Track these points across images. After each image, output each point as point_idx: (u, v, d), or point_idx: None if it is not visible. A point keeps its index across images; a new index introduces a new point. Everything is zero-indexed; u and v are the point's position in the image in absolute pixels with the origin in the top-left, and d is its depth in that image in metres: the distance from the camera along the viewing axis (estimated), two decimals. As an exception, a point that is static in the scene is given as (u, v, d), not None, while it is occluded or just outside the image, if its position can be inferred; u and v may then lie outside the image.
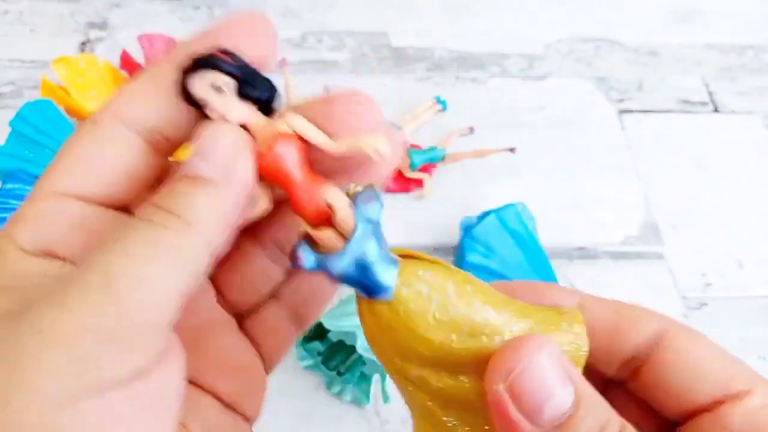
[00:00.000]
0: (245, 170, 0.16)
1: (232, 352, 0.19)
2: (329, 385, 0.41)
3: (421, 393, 0.18)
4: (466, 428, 0.18)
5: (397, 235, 0.47)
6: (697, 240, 0.50)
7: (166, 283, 0.14)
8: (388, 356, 0.18)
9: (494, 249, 0.44)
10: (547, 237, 0.47)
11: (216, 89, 0.16)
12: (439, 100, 0.56)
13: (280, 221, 0.19)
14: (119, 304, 0.13)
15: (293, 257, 0.17)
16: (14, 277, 0.15)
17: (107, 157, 0.16)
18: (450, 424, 0.18)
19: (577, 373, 0.16)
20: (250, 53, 0.17)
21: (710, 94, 0.60)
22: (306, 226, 0.17)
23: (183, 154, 0.17)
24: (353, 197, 0.17)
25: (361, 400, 0.40)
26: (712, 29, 0.65)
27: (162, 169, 0.18)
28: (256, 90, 0.16)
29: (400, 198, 0.49)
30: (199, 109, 0.17)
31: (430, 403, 0.18)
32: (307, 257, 0.16)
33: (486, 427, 0.18)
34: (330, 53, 0.59)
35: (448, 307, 0.17)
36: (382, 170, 0.18)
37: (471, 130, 0.54)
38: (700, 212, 0.51)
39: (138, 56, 0.53)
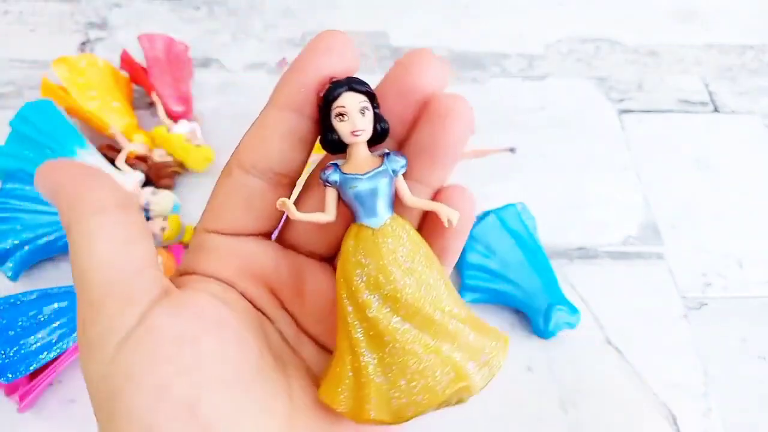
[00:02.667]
0: None
1: (324, 296, 0.22)
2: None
3: (357, 320, 0.20)
4: (378, 369, 0.20)
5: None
6: (697, 240, 0.50)
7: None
8: (348, 278, 0.20)
9: (494, 249, 0.44)
10: (547, 237, 0.47)
11: (361, 111, 0.20)
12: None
13: None
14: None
15: (324, 170, 0.21)
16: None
17: (235, 200, 0.22)
18: (364, 360, 0.20)
19: None
20: (340, 69, 0.20)
21: (710, 94, 0.60)
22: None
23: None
24: (386, 152, 0.21)
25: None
26: (712, 29, 0.65)
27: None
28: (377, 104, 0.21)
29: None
30: (339, 151, 0.21)
31: (359, 335, 0.20)
32: (334, 173, 0.20)
33: (401, 382, 0.19)
34: (330, 53, 0.59)
35: (414, 258, 0.20)
36: (453, 236, 0.22)
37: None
38: (700, 212, 0.51)
39: (138, 56, 0.53)
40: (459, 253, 0.23)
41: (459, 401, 0.20)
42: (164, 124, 0.50)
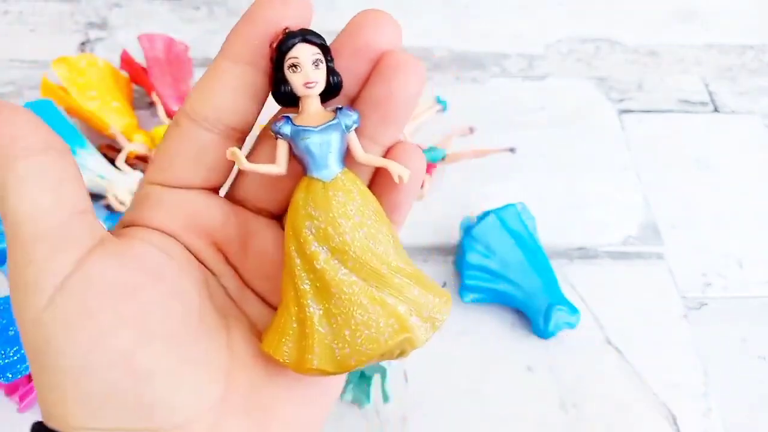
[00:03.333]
0: None
1: (271, 254, 0.22)
2: (342, 394, 0.41)
3: (304, 271, 0.20)
4: (323, 320, 0.20)
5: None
6: (697, 240, 0.50)
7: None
8: (296, 230, 0.20)
9: (494, 249, 0.44)
10: (547, 237, 0.47)
11: (315, 63, 0.20)
12: (439, 101, 0.56)
13: None
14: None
15: (275, 122, 0.20)
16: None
17: (184, 152, 0.21)
18: (310, 310, 0.20)
19: None
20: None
21: (710, 94, 0.60)
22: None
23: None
24: (341, 107, 0.21)
25: (361, 400, 0.40)
26: (712, 29, 0.65)
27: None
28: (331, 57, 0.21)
29: (400, 198, 0.49)
30: (292, 105, 0.20)
31: (305, 286, 0.20)
32: (285, 125, 0.20)
33: (345, 332, 0.20)
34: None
35: (364, 212, 0.20)
36: (403, 192, 0.22)
37: (471, 130, 0.54)
38: (700, 212, 0.51)
39: (138, 56, 0.53)
40: (408, 210, 0.23)
41: (401, 353, 0.20)
42: (164, 124, 0.50)
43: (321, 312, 0.20)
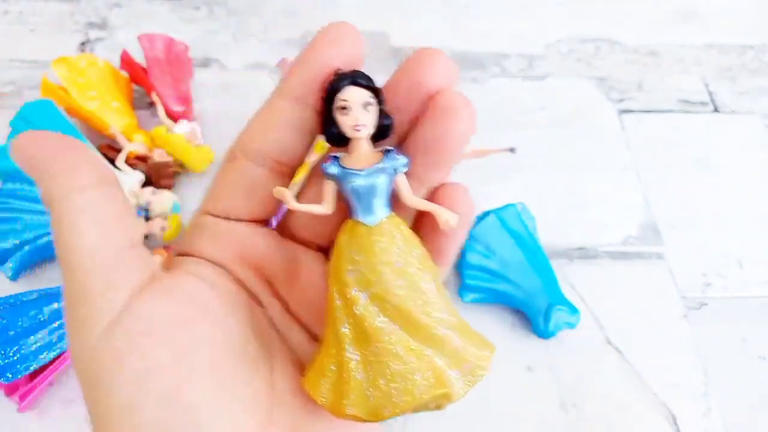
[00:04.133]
0: None
1: (317, 285, 0.22)
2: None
3: (344, 314, 0.20)
4: (360, 366, 0.20)
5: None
6: (697, 240, 0.50)
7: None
8: (338, 272, 0.20)
9: (494, 249, 0.44)
10: (547, 237, 0.47)
11: (364, 106, 0.20)
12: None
13: None
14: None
15: (324, 162, 0.20)
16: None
17: (238, 186, 0.22)
18: (347, 355, 0.20)
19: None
20: (343, 62, 0.20)
21: (710, 94, 0.60)
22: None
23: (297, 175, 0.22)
24: (387, 149, 0.20)
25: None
26: (712, 29, 0.65)
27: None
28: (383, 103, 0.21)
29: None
30: (341, 144, 0.20)
31: (345, 330, 0.20)
32: (333, 165, 0.20)
33: (380, 382, 0.19)
34: (330, 53, 0.59)
35: (407, 259, 0.20)
36: (450, 238, 0.22)
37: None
38: (700, 212, 0.51)
39: (138, 56, 0.53)
40: (455, 255, 0.22)
41: (437, 407, 0.20)
42: (164, 124, 0.50)
43: (359, 358, 0.20)
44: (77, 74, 0.49)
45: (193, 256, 0.22)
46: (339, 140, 0.20)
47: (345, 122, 0.20)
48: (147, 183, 0.48)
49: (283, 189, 0.20)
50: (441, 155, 0.21)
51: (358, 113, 0.20)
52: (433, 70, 0.20)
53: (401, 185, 0.21)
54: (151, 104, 0.53)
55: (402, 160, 0.20)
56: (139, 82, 0.53)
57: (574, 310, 0.43)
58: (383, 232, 0.20)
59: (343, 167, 0.20)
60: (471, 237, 0.44)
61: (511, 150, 0.51)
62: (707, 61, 0.62)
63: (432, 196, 0.21)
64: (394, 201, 0.21)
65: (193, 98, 0.54)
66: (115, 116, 0.49)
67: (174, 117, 0.51)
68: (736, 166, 0.54)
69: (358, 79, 0.20)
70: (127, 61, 0.53)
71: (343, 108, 0.20)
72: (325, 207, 0.21)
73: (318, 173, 0.22)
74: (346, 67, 0.20)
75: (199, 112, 0.53)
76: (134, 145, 0.48)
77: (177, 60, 0.54)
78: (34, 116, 0.46)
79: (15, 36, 0.59)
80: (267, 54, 0.59)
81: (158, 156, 0.49)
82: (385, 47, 0.60)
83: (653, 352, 0.44)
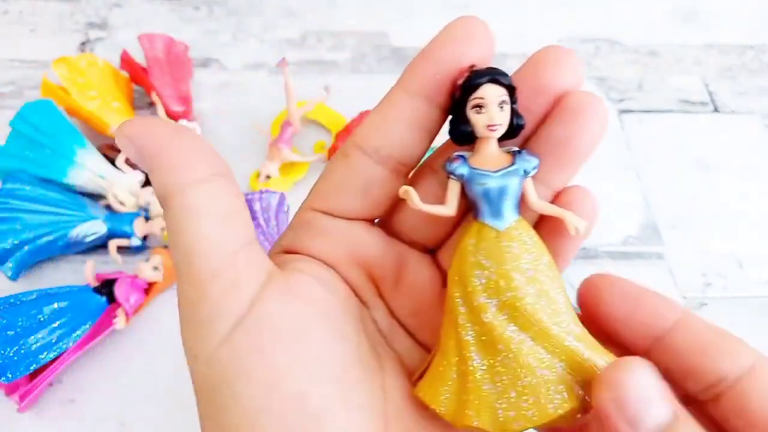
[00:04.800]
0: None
1: (422, 289, 0.22)
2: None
3: (469, 322, 0.19)
4: (486, 376, 0.19)
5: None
6: (697, 240, 0.50)
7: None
8: (464, 277, 0.19)
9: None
10: (547, 237, 0.47)
11: (500, 105, 0.19)
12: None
13: None
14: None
15: (450, 162, 0.20)
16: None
17: (352, 183, 0.21)
18: (472, 364, 0.19)
19: (673, 396, 0.17)
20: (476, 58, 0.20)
21: (710, 94, 0.60)
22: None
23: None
24: (517, 149, 0.20)
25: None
26: (712, 29, 0.65)
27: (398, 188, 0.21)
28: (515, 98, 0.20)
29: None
30: (467, 143, 0.20)
31: (469, 337, 0.19)
32: (461, 166, 0.19)
33: (511, 394, 0.18)
34: (330, 53, 0.59)
35: (537, 266, 0.19)
36: (572, 242, 0.21)
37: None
38: (700, 212, 0.51)
39: (138, 56, 0.53)
40: (573, 257, 0.22)
41: (565, 420, 0.19)
42: (164, 124, 0.50)
43: (485, 367, 0.19)
44: (77, 74, 0.49)
45: (300, 253, 0.21)
46: (466, 139, 0.20)
47: (479, 121, 0.19)
48: (147, 183, 0.48)
49: (410, 189, 0.20)
50: (570, 157, 0.20)
51: (494, 112, 0.19)
52: (562, 71, 0.20)
53: (529, 188, 0.20)
54: (151, 104, 0.53)
55: (533, 162, 0.19)
56: (139, 82, 0.53)
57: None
58: (514, 237, 0.19)
59: (473, 168, 0.19)
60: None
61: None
62: (707, 61, 0.62)
63: (556, 200, 0.21)
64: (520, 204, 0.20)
65: (193, 98, 0.54)
66: (115, 116, 0.49)
67: (174, 117, 0.51)
68: (736, 166, 0.54)
69: (497, 75, 0.19)
70: (127, 61, 0.53)
71: (479, 106, 0.19)
72: (449, 208, 0.20)
73: (425, 173, 0.21)
74: (480, 64, 0.20)
75: (199, 112, 0.53)
76: (134, 145, 0.48)
77: (177, 60, 0.54)
78: (34, 116, 0.46)
79: (15, 36, 0.59)
80: (267, 54, 0.59)
81: (158, 156, 0.48)
82: (385, 47, 0.60)
83: (653, 352, 0.44)
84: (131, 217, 0.45)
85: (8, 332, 0.37)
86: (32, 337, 0.38)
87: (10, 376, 0.36)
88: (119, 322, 0.41)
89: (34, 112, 0.46)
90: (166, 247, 0.45)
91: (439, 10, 0.64)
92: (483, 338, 0.19)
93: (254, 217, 0.44)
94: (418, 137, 0.20)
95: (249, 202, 0.44)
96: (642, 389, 0.17)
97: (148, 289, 0.43)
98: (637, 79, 0.60)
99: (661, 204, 0.51)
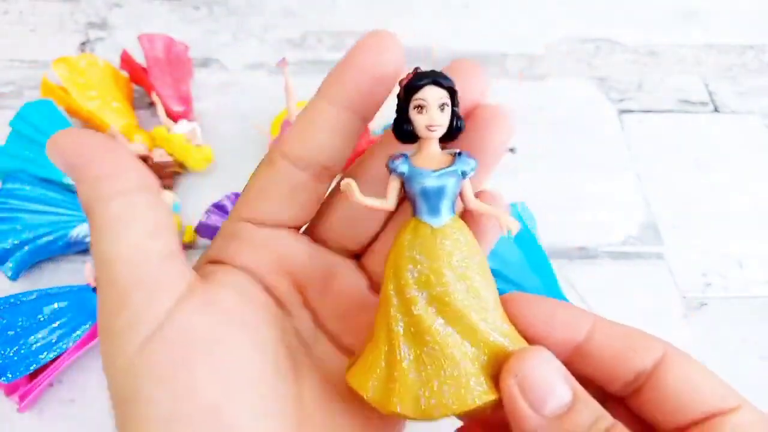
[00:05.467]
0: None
1: (349, 294, 0.22)
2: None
3: (400, 313, 0.20)
4: (413, 365, 0.20)
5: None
6: (697, 240, 0.50)
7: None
8: (398, 270, 0.20)
9: (494, 249, 0.44)
10: (547, 237, 0.47)
11: (440, 106, 0.20)
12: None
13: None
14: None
15: (393, 160, 0.20)
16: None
17: (277, 190, 0.21)
18: (400, 353, 0.20)
19: (573, 377, 0.19)
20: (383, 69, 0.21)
21: (710, 94, 0.60)
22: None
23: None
24: (458, 151, 0.21)
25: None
26: (712, 29, 0.65)
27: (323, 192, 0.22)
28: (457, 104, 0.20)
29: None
30: (410, 142, 0.20)
31: (399, 328, 0.20)
32: (403, 164, 0.20)
33: (434, 383, 0.19)
34: (330, 53, 0.59)
35: (469, 264, 0.20)
36: (493, 238, 0.23)
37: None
38: (700, 212, 0.51)
39: (138, 56, 0.53)
40: (487, 253, 0.23)
41: (484, 412, 0.20)
42: (164, 124, 0.50)
43: (412, 357, 0.20)
44: (77, 74, 0.49)
45: (226, 264, 0.22)
46: (409, 138, 0.20)
47: (420, 121, 0.20)
48: (147, 183, 0.48)
49: (352, 181, 0.20)
50: (484, 165, 0.21)
51: (434, 113, 0.20)
52: (470, 84, 0.21)
53: (466, 188, 0.21)
54: (151, 104, 0.53)
55: (472, 164, 0.20)
56: (139, 82, 0.53)
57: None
58: (448, 235, 0.20)
59: (414, 166, 0.20)
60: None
61: (511, 150, 0.52)
62: (707, 61, 0.62)
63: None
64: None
65: (193, 98, 0.54)
66: (115, 116, 0.49)
67: (174, 117, 0.51)
68: (736, 166, 0.54)
69: (438, 78, 0.20)
70: (127, 61, 0.53)
71: (420, 107, 0.20)
72: (389, 203, 0.21)
73: (357, 173, 0.22)
74: (389, 74, 0.20)
75: (199, 112, 0.53)
76: (134, 145, 0.48)
77: (177, 60, 0.54)
78: (34, 116, 0.46)
79: (15, 36, 0.59)
80: (267, 54, 0.59)
81: (158, 156, 0.49)
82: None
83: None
84: (131, 217, 0.45)
85: (8, 332, 0.37)
86: (32, 337, 0.38)
87: (10, 376, 0.36)
88: (119, 322, 0.41)
89: (34, 112, 0.46)
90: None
91: (439, 10, 0.64)
92: (412, 329, 0.20)
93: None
94: (340, 143, 0.21)
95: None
96: (543, 374, 0.18)
97: (148, 289, 0.43)
98: (637, 79, 0.60)
99: (661, 204, 0.51)
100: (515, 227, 0.21)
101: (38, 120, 0.46)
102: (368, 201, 0.20)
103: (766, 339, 0.45)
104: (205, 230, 0.45)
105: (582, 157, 0.54)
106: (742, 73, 0.61)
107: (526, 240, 0.45)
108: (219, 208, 0.44)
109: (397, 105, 0.20)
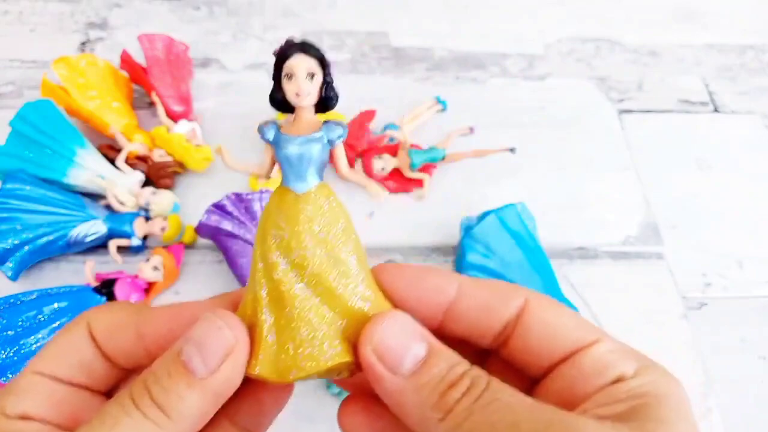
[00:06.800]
0: (234, 373, 0.19)
1: None
2: (329, 386, 0.41)
3: (264, 278, 0.20)
4: (272, 328, 0.20)
5: (397, 235, 0.47)
6: (697, 240, 0.50)
7: None
8: (263, 236, 0.20)
9: (494, 249, 0.44)
10: (547, 237, 0.47)
11: (309, 75, 0.20)
12: (439, 100, 0.55)
13: (252, 402, 0.22)
14: None
15: (262, 126, 0.21)
16: None
17: (75, 353, 0.21)
18: (262, 318, 0.20)
19: (429, 334, 0.20)
20: None
21: (710, 94, 0.60)
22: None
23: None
24: (326, 120, 0.21)
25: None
26: (712, 29, 0.65)
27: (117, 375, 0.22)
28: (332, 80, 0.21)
29: (400, 198, 0.49)
30: (285, 110, 0.21)
31: (262, 292, 0.20)
32: (271, 130, 0.21)
33: (289, 346, 0.20)
34: (330, 53, 0.59)
35: (330, 230, 0.20)
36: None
37: (471, 130, 0.54)
38: (700, 212, 0.51)
39: (138, 56, 0.53)
40: None
41: (340, 374, 0.20)
42: (164, 124, 0.50)
43: (272, 320, 0.20)
44: (77, 74, 0.49)
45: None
46: (283, 107, 0.21)
47: (289, 89, 0.20)
48: (147, 183, 0.48)
49: (223, 147, 0.21)
50: None
51: (301, 82, 0.20)
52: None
53: (338, 156, 0.21)
54: (151, 104, 0.53)
55: (338, 131, 0.21)
56: (139, 82, 0.53)
57: (573, 310, 0.43)
58: (310, 201, 0.20)
59: (279, 134, 0.21)
60: (471, 237, 0.44)
61: (511, 150, 0.51)
62: (707, 61, 0.62)
63: None
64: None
65: (193, 98, 0.54)
66: (115, 116, 0.49)
67: (174, 117, 0.51)
68: (736, 166, 0.54)
69: (306, 48, 0.20)
70: (127, 61, 0.53)
71: (288, 75, 0.20)
72: (262, 169, 0.21)
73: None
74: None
75: (199, 112, 0.53)
76: (134, 145, 0.48)
77: (177, 60, 0.54)
78: (34, 116, 0.46)
79: (15, 36, 0.59)
80: (267, 54, 0.59)
81: (158, 156, 0.49)
82: (385, 47, 0.60)
83: (653, 351, 0.43)
84: (131, 217, 0.45)
85: (8, 332, 0.37)
86: (32, 337, 0.38)
87: (10, 376, 0.36)
88: (119, 322, 0.41)
89: (34, 112, 0.46)
90: (165, 247, 0.45)
91: (439, 10, 0.64)
92: (273, 294, 0.20)
93: (254, 218, 0.44)
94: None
95: (249, 202, 0.44)
96: (396, 336, 0.19)
97: (148, 289, 0.43)
98: (637, 79, 0.60)
99: (661, 204, 0.51)
100: (382, 196, 0.21)
101: (38, 120, 0.46)
102: (240, 165, 0.21)
103: (766, 339, 0.45)
104: (205, 230, 0.45)
105: (582, 157, 0.54)
106: (742, 73, 0.61)
107: (526, 240, 0.45)
108: (219, 208, 0.44)
109: (273, 73, 0.21)
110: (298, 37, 0.20)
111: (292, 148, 0.20)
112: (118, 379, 0.22)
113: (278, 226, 0.20)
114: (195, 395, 0.18)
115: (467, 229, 0.45)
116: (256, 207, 0.44)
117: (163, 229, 0.45)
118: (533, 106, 0.57)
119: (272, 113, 0.53)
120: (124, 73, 0.53)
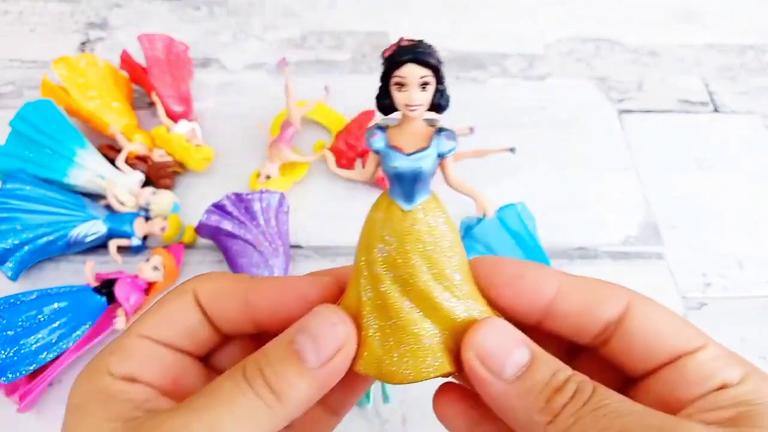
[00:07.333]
0: (342, 366, 0.20)
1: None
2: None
3: (369, 285, 0.21)
4: (377, 334, 0.20)
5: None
6: (697, 240, 0.50)
7: None
8: (369, 246, 0.20)
9: (494, 249, 0.44)
10: (547, 237, 0.47)
11: (421, 85, 0.19)
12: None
13: (344, 388, 0.22)
14: None
15: (370, 134, 0.20)
16: (107, 394, 0.20)
17: (181, 318, 0.22)
18: (366, 321, 0.21)
19: (530, 340, 0.20)
20: None
21: (710, 94, 0.60)
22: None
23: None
24: (438, 128, 0.20)
25: (361, 400, 0.40)
26: (712, 29, 0.65)
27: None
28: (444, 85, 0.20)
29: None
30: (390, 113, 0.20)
31: (366, 298, 0.21)
32: (380, 140, 0.20)
33: (394, 354, 0.20)
34: (330, 53, 0.59)
35: (437, 247, 0.20)
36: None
37: (471, 130, 0.54)
38: (700, 212, 0.51)
39: (138, 56, 0.53)
40: None
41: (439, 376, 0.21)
42: (164, 124, 0.50)
43: (377, 326, 0.20)
44: (77, 74, 0.49)
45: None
46: (390, 111, 0.20)
47: (400, 99, 0.19)
48: (147, 183, 0.48)
49: (328, 152, 0.20)
50: None
51: (413, 93, 0.19)
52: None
53: (448, 167, 0.21)
54: (151, 104, 0.53)
55: (449, 145, 0.20)
56: (139, 82, 0.53)
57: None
58: (418, 219, 0.20)
59: (388, 146, 0.20)
60: (471, 237, 0.44)
61: (511, 150, 0.51)
62: (707, 61, 0.62)
63: None
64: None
65: (193, 98, 0.54)
66: (115, 116, 0.49)
67: (174, 117, 0.51)
68: (736, 166, 0.54)
69: (419, 56, 0.19)
70: (127, 61, 0.53)
71: (400, 84, 0.19)
72: (364, 176, 0.21)
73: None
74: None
75: (199, 112, 0.53)
76: (134, 145, 0.48)
77: (177, 60, 0.54)
78: (34, 116, 0.46)
79: (15, 36, 0.59)
80: (267, 54, 0.59)
81: (158, 156, 0.49)
82: (385, 47, 0.60)
83: (653, 352, 0.44)
84: (131, 217, 0.45)
85: (8, 332, 0.37)
86: (32, 337, 0.38)
87: (10, 376, 0.36)
88: (119, 322, 0.41)
89: (34, 112, 0.46)
90: (166, 247, 0.45)
91: (439, 10, 0.64)
92: (378, 302, 0.20)
93: (254, 218, 0.44)
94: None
95: (249, 202, 0.44)
96: (498, 342, 0.20)
97: (148, 289, 0.43)
98: (637, 79, 0.60)
99: (661, 204, 0.51)
100: (491, 211, 0.21)
101: (38, 120, 0.46)
102: (343, 172, 0.21)
103: (766, 339, 0.45)
104: (205, 230, 0.45)
105: (582, 157, 0.54)
106: (742, 73, 0.61)
107: (526, 240, 0.45)
108: (219, 208, 0.44)
109: (381, 75, 0.20)
110: (410, 39, 0.19)
111: (401, 164, 0.19)
112: (216, 345, 0.23)
113: (385, 240, 0.20)
114: (305, 383, 0.19)
115: (467, 229, 0.45)
116: (256, 207, 0.44)
117: (163, 229, 0.45)
118: (533, 106, 0.57)
119: (270, 113, 0.53)
120: (124, 73, 0.53)
